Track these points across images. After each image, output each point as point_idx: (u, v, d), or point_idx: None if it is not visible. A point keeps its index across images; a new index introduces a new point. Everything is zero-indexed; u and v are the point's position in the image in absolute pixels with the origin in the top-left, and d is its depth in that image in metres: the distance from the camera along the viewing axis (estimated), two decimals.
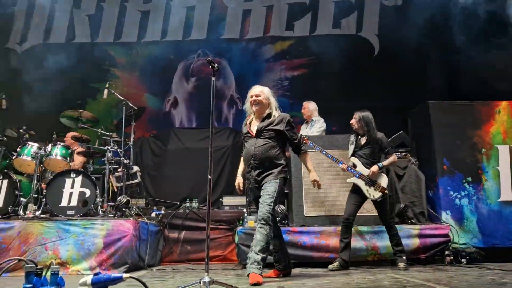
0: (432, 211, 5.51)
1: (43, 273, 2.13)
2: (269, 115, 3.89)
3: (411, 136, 6.20)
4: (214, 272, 4.39)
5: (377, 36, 8.75)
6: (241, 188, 4.02)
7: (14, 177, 5.26)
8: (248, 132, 3.92)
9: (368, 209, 4.98)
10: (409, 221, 5.28)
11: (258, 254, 3.49)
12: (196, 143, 7.35)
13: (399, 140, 5.93)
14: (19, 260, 2.70)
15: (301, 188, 5.29)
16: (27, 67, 8.32)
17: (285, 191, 5.86)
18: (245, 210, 5.70)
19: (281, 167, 3.79)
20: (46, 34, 9.03)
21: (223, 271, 4.58)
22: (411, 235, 4.94)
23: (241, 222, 5.47)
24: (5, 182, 5.25)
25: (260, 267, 3.46)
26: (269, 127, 3.82)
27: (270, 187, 3.67)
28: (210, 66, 3.05)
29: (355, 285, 3.25)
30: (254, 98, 3.86)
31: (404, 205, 5.36)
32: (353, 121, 4.68)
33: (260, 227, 3.58)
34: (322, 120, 6.22)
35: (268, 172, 3.75)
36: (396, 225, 4.62)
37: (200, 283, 2.77)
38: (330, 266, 4.35)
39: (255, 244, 3.55)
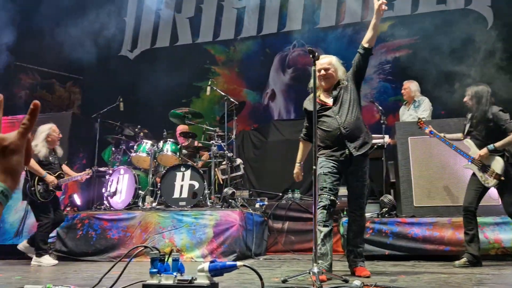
0: None
1: (166, 259, 2.29)
2: (338, 83, 3.44)
3: None
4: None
5: (490, 7, 7.88)
6: (300, 178, 3.80)
7: (133, 172, 5.78)
8: (323, 105, 3.40)
9: (489, 198, 4.54)
10: None
11: (359, 247, 3.38)
12: (296, 134, 7.29)
13: None
14: (145, 247, 2.96)
15: (410, 177, 4.99)
16: (138, 71, 9.08)
17: (392, 181, 5.60)
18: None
19: (369, 139, 3.40)
20: (153, 40, 9.75)
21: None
22: None
23: (345, 212, 5.34)
24: (126, 177, 5.79)
25: (363, 260, 3.37)
26: (346, 91, 3.40)
27: (365, 174, 3.36)
28: (311, 55, 3.00)
29: (477, 280, 2.98)
30: (322, 72, 3.39)
31: None
32: (466, 98, 4.17)
33: (360, 216, 3.44)
34: (427, 100, 5.76)
35: (363, 145, 3.33)
36: None
37: (309, 273, 2.76)
38: (457, 263, 3.88)
39: (353, 237, 3.41)
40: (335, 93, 3.41)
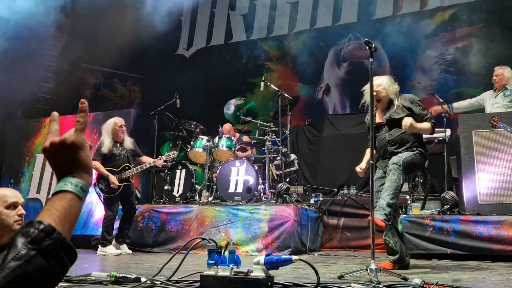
0: None
1: (222, 252, 2.34)
2: (391, 103, 3.66)
3: None
4: (378, 260, 4.25)
5: None
6: (363, 171, 3.75)
7: (190, 167, 5.94)
8: (377, 123, 3.69)
9: None
10: None
11: (384, 200, 3.34)
12: (351, 129, 7.21)
13: None
14: (203, 239, 3.04)
15: (474, 173, 4.73)
16: (194, 69, 9.31)
17: (454, 176, 5.34)
18: (408, 197, 5.37)
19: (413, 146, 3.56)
20: (208, 38, 9.94)
21: (386, 259, 4.39)
22: None
23: (404, 209, 5.17)
24: (183, 171, 5.97)
25: (383, 213, 3.27)
26: (393, 117, 3.61)
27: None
28: (368, 47, 2.93)
29: None
30: (374, 93, 3.51)
31: None
32: None
33: (390, 170, 3.41)
34: None
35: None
36: None
37: (366, 270, 2.71)
38: None
39: (384, 190, 3.40)
40: (387, 114, 3.67)
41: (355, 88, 8.23)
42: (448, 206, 4.58)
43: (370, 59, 3.01)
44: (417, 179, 5.77)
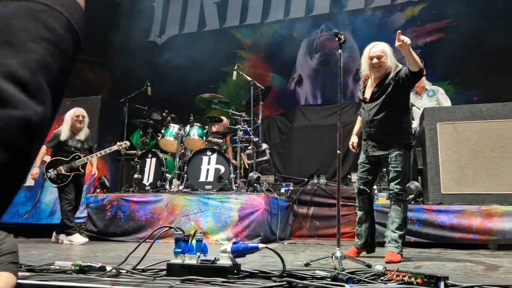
0: None
1: (190, 240, 2.34)
2: (386, 77, 3.39)
3: None
4: (344, 248, 4.35)
5: None
6: (355, 147, 3.81)
7: (161, 155, 5.89)
8: (363, 98, 3.54)
9: None
10: None
11: (395, 232, 3.35)
12: (322, 120, 7.31)
13: None
14: (170, 227, 3.03)
15: (438, 163, 4.89)
16: (166, 56, 9.17)
17: (419, 167, 5.50)
18: (375, 186, 5.50)
19: (404, 135, 3.42)
20: (181, 25, 9.79)
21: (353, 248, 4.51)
22: None
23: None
24: (154, 160, 5.91)
25: (398, 245, 3.32)
26: (385, 91, 3.37)
27: (397, 162, 3.38)
28: (337, 38, 2.96)
29: (506, 270, 2.91)
30: (375, 61, 3.34)
31: None
32: None
33: (393, 204, 3.42)
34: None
35: (391, 147, 3.39)
36: None
37: (332, 257, 2.77)
38: None
39: (391, 222, 3.41)
40: (376, 89, 3.43)
41: (327, 79, 8.42)
42: (413, 196, 4.73)
43: (340, 50, 3.05)
44: (384, 169, 5.91)
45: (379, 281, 2.12)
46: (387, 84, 3.37)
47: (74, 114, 5.24)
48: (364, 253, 3.64)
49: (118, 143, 5.37)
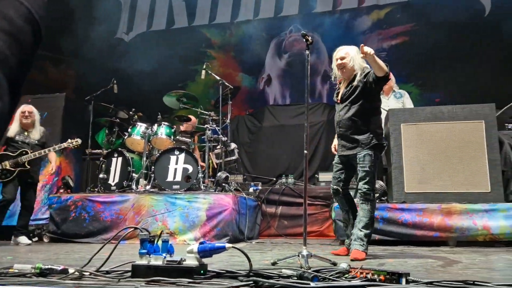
0: None
1: (155, 241, 2.31)
2: (354, 79, 3.53)
3: None
4: (311, 247, 4.41)
5: None
6: (336, 149, 3.85)
7: (127, 155, 5.78)
8: (336, 100, 3.68)
9: (478, 185, 4.61)
10: None
11: (361, 231, 3.43)
12: (290, 120, 7.39)
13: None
14: (135, 228, 2.98)
15: (402, 163, 5.03)
16: (133, 54, 9.00)
17: (385, 167, 5.64)
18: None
19: (372, 135, 3.49)
20: (149, 22, 9.65)
21: (320, 246, 4.59)
22: None
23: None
24: (120, 159, 5.79)
25: (363, 244, 3.40)
26: (353, 92, 3.51)
27: (365, 162, 3.47)
28: (304, 39, 3.00)
29: (464, 265, 3.03)
30: (338, 62, 3.54)
31: None
32: None
33: (361, 203, 3.50)
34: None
35: (358, 145, 3.49)
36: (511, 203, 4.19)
37: (298, 256, 2.80)
38: None
39: (358, 221, 3.49)
40: (345, 90, 3.58)
41: (295, 79, 8.50)
42: (378, 194, 4.85)
43: (307, 52, 3.08)
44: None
45: (344, 278, 2.16)
46: (356, 86, 3.50)
47: (20, 110, 5.19)
48: (328, 251, 3.71)
49: (69, 140, 5.25)
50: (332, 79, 3.71)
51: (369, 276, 2.14)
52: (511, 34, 7.28)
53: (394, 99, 5.85)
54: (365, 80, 3.45)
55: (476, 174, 4.70)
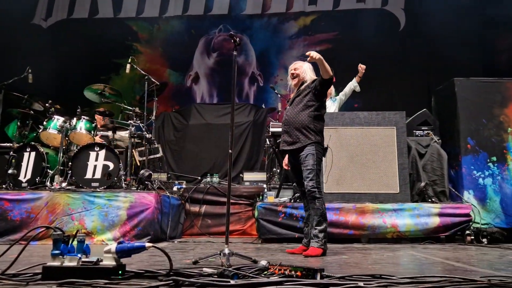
0: (454, 190, 5.44)
1: (70, 241, 2.21)
2: (302, 84, 3.91)
3: (435, 114, 6.07)
4: (233, 245, 4.47)
5: (403, 10, 8.50)
6: (286, 164, 4.13)
7: (41, 149, 5.41)
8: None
9: (389, 186, 4.99)
10: (430, 200, 5.23)
11: (315, 229, 3.63)
12: (217, 119, 7.40)
13: (422, 118, 5.83)
14: (47, 228, 2.81)
15: (322, 165, 5.27)
16: (51, 42, 8.45)
17: None
18: (265, 185, 5.76)
19: (313, 135, 3.73)
20: (70, 10, 9.10)
21: (242, 245, 4.66)
22: (431, 213, 4.90)
23: (261, 197, 5.53)
24: (33, 154, 5.40)
25: (318, 240, 3.59)
26: (299, 95, 3.84)
27: (308, 161, 3.67)
28: (232, 40, 3.04)
29: (373, 261, 3.27)
30: (292, 71, 3.95)
31: (425, 184, 5.30)
32: None
33: (310, 202, 3.68)
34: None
35: (298, 141, 3.73)
36: (416, 203, 4.60)
37: (220, 254, 2.83)
38: None
39: (311, 220, 3.69)
40: (293, 95, 3.91)
41: (223, 78, 8.54)
42: (298, 194, 5.03)
43: (234, 52, 3.12)
44: (274, 169, 6.21)
45: (263, 275, 2.23)
46: (302, 90, 3.85)
47: None
48: (251, 250, 3.78)
49: None
50: (288, 90, 4.09)
51: (286, 272, 2.23)
52: (426, 48, 7.98)
53: (331, 102, 6.14)
54: (312, 84, 3.79)
55: (387, 176, 5.09)
